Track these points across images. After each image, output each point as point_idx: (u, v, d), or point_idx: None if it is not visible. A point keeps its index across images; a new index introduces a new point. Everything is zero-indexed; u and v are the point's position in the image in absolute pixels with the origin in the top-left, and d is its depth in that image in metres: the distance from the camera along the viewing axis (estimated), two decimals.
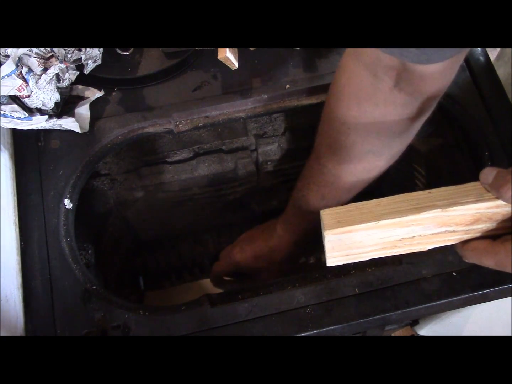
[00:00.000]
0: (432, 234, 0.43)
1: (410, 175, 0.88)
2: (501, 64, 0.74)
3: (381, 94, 0.52)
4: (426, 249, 0.44)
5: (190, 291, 0.90)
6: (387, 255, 0.44)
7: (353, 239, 0.42)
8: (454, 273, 0.59)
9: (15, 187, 0.65)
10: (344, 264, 0.58)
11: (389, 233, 0.42)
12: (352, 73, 0.53)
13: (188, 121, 0.68)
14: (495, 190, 0.40)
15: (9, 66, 0.59)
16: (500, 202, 0.40)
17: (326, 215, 0.43)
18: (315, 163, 0.63)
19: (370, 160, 0.59)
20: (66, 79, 0.65)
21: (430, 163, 0.84)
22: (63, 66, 0.63)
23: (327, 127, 0.59)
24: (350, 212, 0.43)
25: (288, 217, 0.72)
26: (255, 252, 0.77)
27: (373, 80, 0.51)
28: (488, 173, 0.41)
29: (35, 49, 0.61)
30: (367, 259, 0.44)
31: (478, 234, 0.43)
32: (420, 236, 0.43)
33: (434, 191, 0.43)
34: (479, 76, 0.71)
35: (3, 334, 0.54)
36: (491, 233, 0.43)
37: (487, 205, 0.41)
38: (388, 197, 0.44)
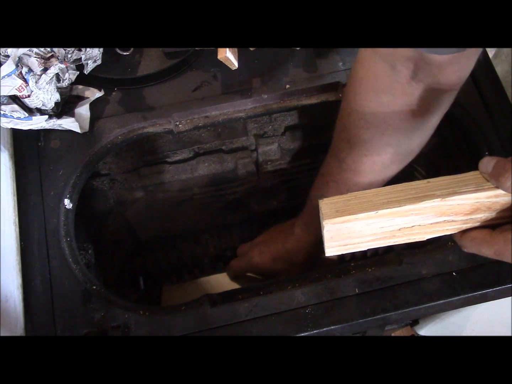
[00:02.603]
0: (431, 223, 0.43)
1: (410, 175, 0.88)
2: (498, 63, 0.74)
3: (399, 86, 0.51)
4: (425, 238, 0.44)
5: (208, 285, 0.89)
6: (385, 245, 0.44)
7: (352, 229, 0.42)
8: (454, 273, 0.59)
9: (15, 187, 0.65)
10: (344, 264, 0.58)
11: (388, 223, 0.42)
12: (370, 66, 0.53)
13: (188, 121, 0.68)
14: (494, 179, 0.40)
15: (9, 66, 0.59)
16: (499, 191, 0.40)
17: (325, 204, 0.43)
18: (333, 160, 0.62)
19: (389, 155, 0.58)
20: (66, 79, 0.65)
21: (430, 162, 0.84)
22: (63, 66, 0.63)
23: (346, 121, 0.58)
24: (349, 201, 0.43)
25: (306, 217, 0.70)
26: (273, 254, 0.75)
27: (391, 72, 0.51)
28: (487, 162, 0.40)
29: (35, 49, 0.61)
30: (365, 248, 0.44)
31: (477, 224, 0.43)
32: (419, 225, 0.43)
33: (433, 180, 0.43)
34: (479, 76, 0.71)
35: (3, 334, 0.54)
36: (490, 223, 0.43)
37: (487, 194, 0.41)
38: (387, 186, 0.44)
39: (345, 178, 0.62)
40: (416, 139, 0.58)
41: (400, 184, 0.44)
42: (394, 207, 0.41)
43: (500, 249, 0.40)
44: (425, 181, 0.43)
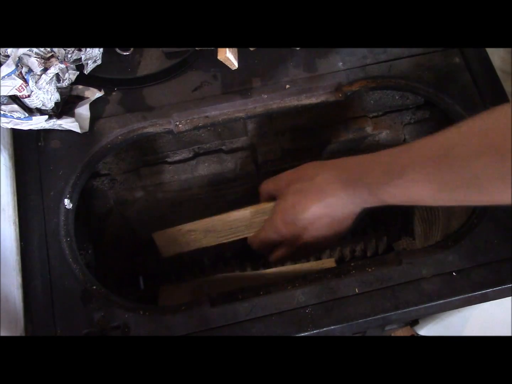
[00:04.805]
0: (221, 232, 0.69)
1: None
2: (495, 50, 0.73)
3: None
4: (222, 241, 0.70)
5: (208, 285, 0.89)
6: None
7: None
8: (454, 273, 0.59)
9: (15, 187, 0.65)
10: (344, 264, 0.58)
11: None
12: None
13: (188, 121, 0.68)
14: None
15: (9, 66, 0.59)
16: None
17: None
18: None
19: None
20: (66, 79, 0.65)
21: None
22: (63, 66, 0.63)
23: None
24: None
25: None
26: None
27: None
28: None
29: (35, 49, 0.61)
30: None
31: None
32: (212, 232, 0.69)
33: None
34: (479, 75, 0.71)
35: (3, 334, 0.54)
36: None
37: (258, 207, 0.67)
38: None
39: None
40: None
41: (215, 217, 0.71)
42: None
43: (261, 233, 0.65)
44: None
